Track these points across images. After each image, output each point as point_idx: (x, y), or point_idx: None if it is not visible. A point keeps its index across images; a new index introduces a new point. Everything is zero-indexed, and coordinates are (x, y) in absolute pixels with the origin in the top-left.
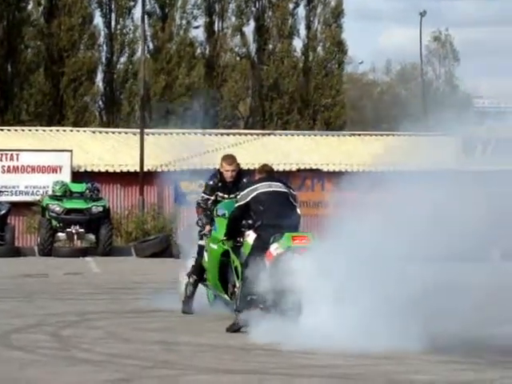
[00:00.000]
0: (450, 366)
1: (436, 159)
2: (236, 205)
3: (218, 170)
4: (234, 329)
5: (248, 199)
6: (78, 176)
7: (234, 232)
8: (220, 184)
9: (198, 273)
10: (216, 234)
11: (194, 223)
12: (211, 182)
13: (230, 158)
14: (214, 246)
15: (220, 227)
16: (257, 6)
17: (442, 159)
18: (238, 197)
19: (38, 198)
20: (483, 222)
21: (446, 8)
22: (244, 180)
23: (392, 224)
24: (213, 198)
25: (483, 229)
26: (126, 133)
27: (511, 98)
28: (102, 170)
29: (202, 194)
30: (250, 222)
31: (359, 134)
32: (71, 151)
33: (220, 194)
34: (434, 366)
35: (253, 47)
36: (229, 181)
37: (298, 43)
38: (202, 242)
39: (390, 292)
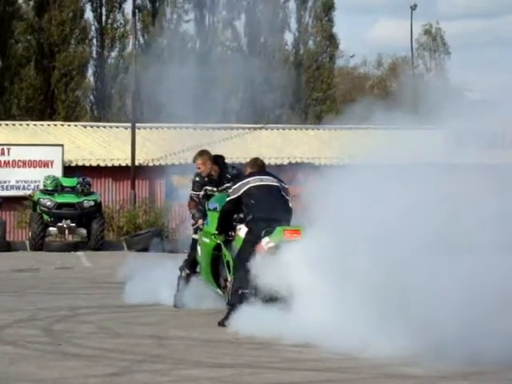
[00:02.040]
0: (442, 359)
1: (427, 152)
2: (227, 199)
3: None
4: (227, 323)
5: (239, 193)
6: (69, 170)
7: (226, 226)
8: (206, 179)
9: (191, 267)
10: (208, 228)
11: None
12: (197, 179)
13: (201, 154)
14: (207, 240)
15: (212, 221)
16: None
17: (433, 152)
18: (230, 191)
19: (29, 192)
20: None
21: (436, 1)
22: (231, 170)
23: (386, 216)
24: (202, 193)
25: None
26: (117, 127)
27: (502, 90)
28: (94, 164)
29: (191, 192)
30: (241, 215)
31: (350, 128)
32: (62, 146)
33: (209, 188)
34: (427, 360)
35: (244, 41)
36: (207, 174)
37: (289, 37)
38: (195, 236)
39: (384, 285)
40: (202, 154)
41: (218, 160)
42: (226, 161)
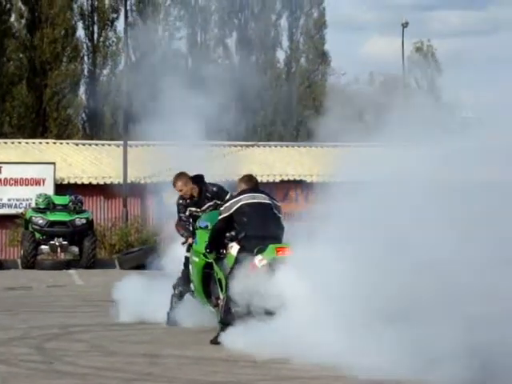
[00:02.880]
0: (435, 375)
1: (416, 170)
2: (219, 217)
3: None
4: (219, 341)
5: (231, 211)
6: (61, 188)
7: (216, 244)
8: (188, 201)
9: (184, 284)
10: (197, 247)
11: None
12: (181, 201)
13: (180, 178)
14: (196, 259)
15: (200, 240)
16: (239, 17)
17: (422, 170)
18: (221, 209)
19: (21, 210)
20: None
21: (427, 19)
22: (211, 188)
23: (373, 233)
24: (187, 213)
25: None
26: (109, 145)
27: (494, 108)
28: (86, 182)
29: (178, 215)
30: (233, 233)
31: (342, 145)
32: (54, 164)
33: (193, 209)
34: (423, 371)
35: (236, 58)
36: (189, 196)
37: (280, 55)
38: (188, 254)
39: (375, 300)
40: (181, 176)
41: (198, 180)
42: (221, 179)
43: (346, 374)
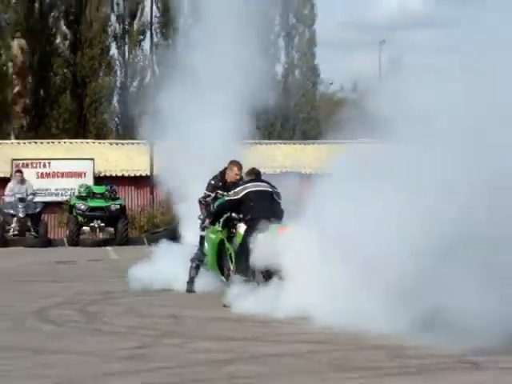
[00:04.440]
0: (426, 335)
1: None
2: (227, 198)
3: (222, 171)
4: (228, 304)
5: (240, 196)
6: (99, 180)
7: (218, 219)
8: (220, 184)
9: (199, 259)
10: (215, 227)
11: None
12: (213, 182)
13: (239, 165)
14: (213, 236)
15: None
16: None
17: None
18: (230, 193)
19: (66, 198)
20: None
21: (402, 38)
22: (241, 182)
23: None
24: (213, 195)
25: None
26: (138, 143)
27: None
28: (119, 174)
29: (204, 191)
30: (241, 216)
31: (330, 143)
32: (93, 159)
33: (220, 192)
34: (421, 338)
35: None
36: (230, 181)
37: (279, 68)
38: (203, 233)
39: (374, 265)
40: (238, 162)
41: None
42: None
43: (357, 335)
